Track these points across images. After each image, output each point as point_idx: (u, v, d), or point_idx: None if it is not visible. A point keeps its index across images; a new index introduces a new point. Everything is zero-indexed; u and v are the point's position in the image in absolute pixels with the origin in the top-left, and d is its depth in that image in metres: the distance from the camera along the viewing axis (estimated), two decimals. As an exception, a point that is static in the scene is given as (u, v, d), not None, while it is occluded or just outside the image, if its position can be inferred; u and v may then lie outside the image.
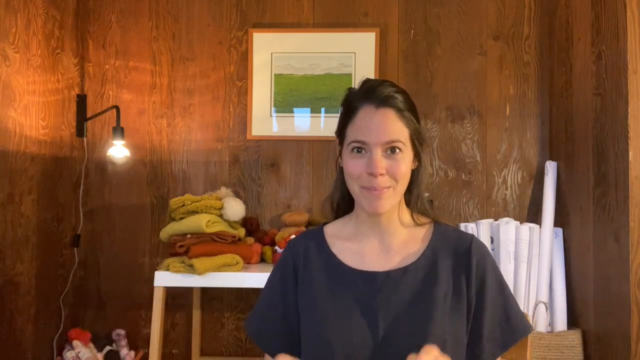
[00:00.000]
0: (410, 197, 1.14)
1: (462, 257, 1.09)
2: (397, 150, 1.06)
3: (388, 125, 1.06)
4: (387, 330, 1.03)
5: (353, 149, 1.08)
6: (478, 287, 1.08)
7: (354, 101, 1.10)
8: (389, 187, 1.06)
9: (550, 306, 2.24)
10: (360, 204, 1.10)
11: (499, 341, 1.08)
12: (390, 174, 1.05)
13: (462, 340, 1.06)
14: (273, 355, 1.10)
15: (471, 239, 1.12)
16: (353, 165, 1.07)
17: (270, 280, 1.18)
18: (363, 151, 1.07)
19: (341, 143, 1.12)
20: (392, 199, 1.07)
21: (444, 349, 0.99)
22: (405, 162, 1.07)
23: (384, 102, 1.07)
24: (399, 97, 1.08)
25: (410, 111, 1.09)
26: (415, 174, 1.13)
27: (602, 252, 1.92)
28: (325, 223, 1.21)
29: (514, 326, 1.09)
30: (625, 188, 1.74)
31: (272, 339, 1.14)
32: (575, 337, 2.11)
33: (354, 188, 1.09)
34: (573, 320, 2.21)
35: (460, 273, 1.08)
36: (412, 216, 1.15)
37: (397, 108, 1.07)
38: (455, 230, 1.16)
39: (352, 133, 1.08)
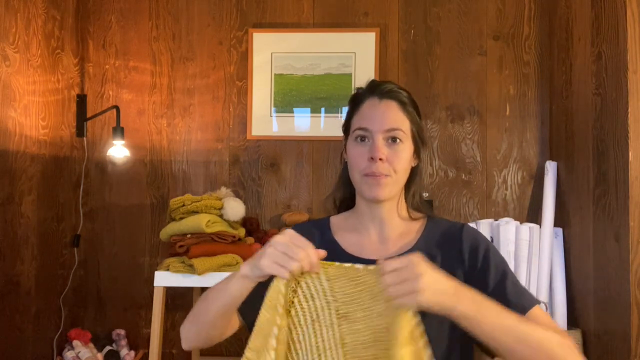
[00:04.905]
0: (408, 193, 1.20)
1: (454, 243, 1.14)
2: (398, 141, 1.13)
3: (390, 115, 1.14)
4: None
5: (357, 137, 1.15)
6: (479, 267, 1.10)
7: (360, 95, 1.19)
8: (388, 175, 1.11)
9: (550, 306, 2.24)
10: (361, 191, 1.16)
11: None
12: (390, 162, 1.11)
13: None
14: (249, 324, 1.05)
15: (462, 226, 1.17)
16: (356, 153, 1.14)
17: None
18: (366, 139, 1.13)
19: (346, 136, 1.20)
20: (390, 187, 1.13)
21: (442, 330, 1.06)
22: (405, 152, 1.14)
23: (387, 94, 1.16)
24: (403, 92, 1.17)
25: (413, 107, 1.18)
26: (414, 171, 1.19)
27: (602, 252, 1.92)
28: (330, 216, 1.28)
29: (521, 300, 1.08)
30: (625, 188, 1.74)
31: (256, 310, 1.02)
32: (575, 337, 2.11)
33: (356, 176, 1.15)
34: (573, 320, 2.21)
35: (452, 259, 1.12)
36: (407, 211, 1.21)
37: (400, 101, 1.16)
38: (447, 221, 1.22)
39: (356, 122, 1.16)
